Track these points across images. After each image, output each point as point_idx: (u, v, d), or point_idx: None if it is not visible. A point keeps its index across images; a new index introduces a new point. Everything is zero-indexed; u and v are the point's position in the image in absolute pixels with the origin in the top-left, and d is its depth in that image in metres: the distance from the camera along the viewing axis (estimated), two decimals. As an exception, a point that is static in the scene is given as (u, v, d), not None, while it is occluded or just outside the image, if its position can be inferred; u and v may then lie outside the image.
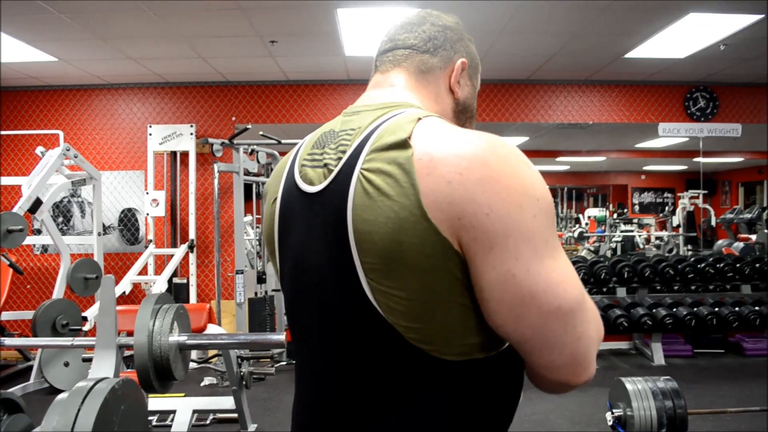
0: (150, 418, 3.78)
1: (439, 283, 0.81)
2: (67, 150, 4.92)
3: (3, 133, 5.77)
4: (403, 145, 0.83)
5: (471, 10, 4.18)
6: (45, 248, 6.10)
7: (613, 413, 3.56)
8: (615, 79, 6.16)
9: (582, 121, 6.28)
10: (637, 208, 10.17)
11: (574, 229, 9.49)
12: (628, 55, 5.25)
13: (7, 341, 2.03)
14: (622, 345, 6.12)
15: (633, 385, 3.51)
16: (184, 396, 4.20)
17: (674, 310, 5.52)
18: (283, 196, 0.98)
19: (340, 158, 0.88)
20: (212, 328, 3.80)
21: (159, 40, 4.82)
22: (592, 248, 8.67)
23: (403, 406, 0.85)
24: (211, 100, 6.18)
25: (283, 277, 1.02)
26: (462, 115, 1.08)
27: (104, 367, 1.94)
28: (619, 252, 8.08)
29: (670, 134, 6.17)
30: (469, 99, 1.08)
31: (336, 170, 0.87)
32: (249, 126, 5.41)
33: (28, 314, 5.01)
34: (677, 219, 8.10)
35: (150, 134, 5.91)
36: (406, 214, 0.80)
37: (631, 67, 5.66)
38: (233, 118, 6.13)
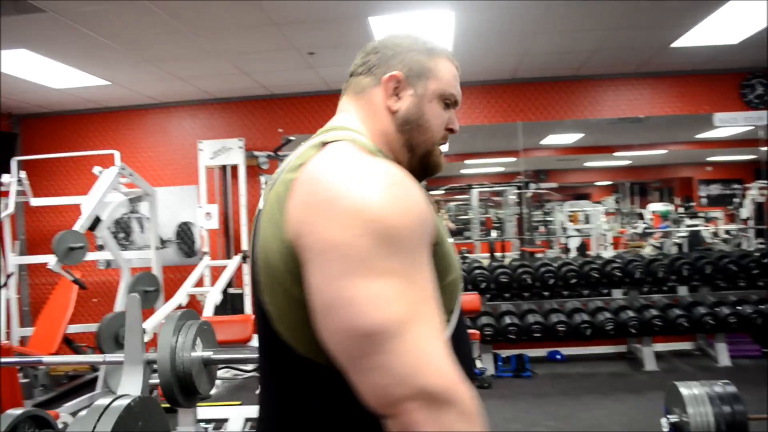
0: (205, 426, 3.87)
1: (300, 299, 0.85)
2: (123, 169, 5.10)
3: (64, 155, 6.02)
4: (295, 168, 0.90)
5: (505, 12, 4.14)
6: (108, 263, 6.37)
7: (668, 419, 3.41)
8: (664, 70, 5.92)
9: (633, 115, 6.06)
10: (705, 200, 9.71)
11: (636, 225, 9.17)
12: (674, 45, 5.03)
13: (45, 359, 2.15)
14: (685, 346, 5.86)
15: (689, 389, 3.33)
16: (240, 404, 4.29)
17: (738, 308, 5.25)
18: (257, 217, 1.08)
19: (273, 179, 0.97)
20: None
21: (201, 59, 4.96)
22: (657, 244, 8.34)
23: (306, 409, 0.91)
24: (258, 113, 6.32)
25: None
26: (404, 127, 1.07)
27: (132, 383, 2.01)
28: (685, 248, 7.75)
29: (727, 124, 5.88)
30: (410, 110, 1.07)
31: (267, 190, 0.96)
32: (293, 138, 5.51)
33: (94, 326, 5.24)
34: (746, 211, 7.71)
35: (201, 149, 6.05)
36: (276, 232, 0.87)
37: (680, 57, 5.42)
38: (280, 130, 6.24)
